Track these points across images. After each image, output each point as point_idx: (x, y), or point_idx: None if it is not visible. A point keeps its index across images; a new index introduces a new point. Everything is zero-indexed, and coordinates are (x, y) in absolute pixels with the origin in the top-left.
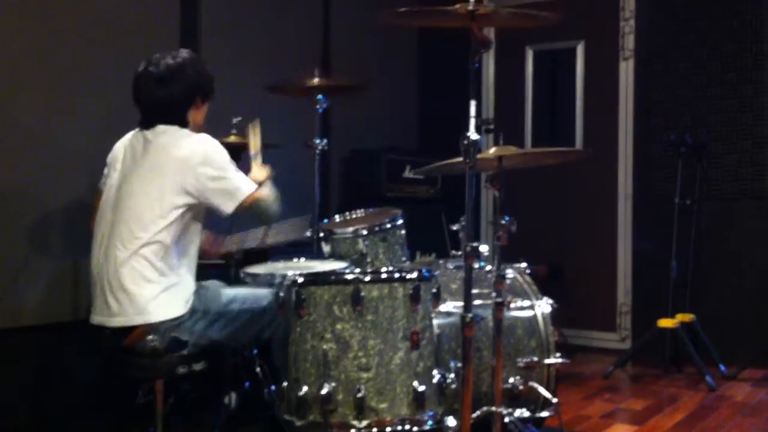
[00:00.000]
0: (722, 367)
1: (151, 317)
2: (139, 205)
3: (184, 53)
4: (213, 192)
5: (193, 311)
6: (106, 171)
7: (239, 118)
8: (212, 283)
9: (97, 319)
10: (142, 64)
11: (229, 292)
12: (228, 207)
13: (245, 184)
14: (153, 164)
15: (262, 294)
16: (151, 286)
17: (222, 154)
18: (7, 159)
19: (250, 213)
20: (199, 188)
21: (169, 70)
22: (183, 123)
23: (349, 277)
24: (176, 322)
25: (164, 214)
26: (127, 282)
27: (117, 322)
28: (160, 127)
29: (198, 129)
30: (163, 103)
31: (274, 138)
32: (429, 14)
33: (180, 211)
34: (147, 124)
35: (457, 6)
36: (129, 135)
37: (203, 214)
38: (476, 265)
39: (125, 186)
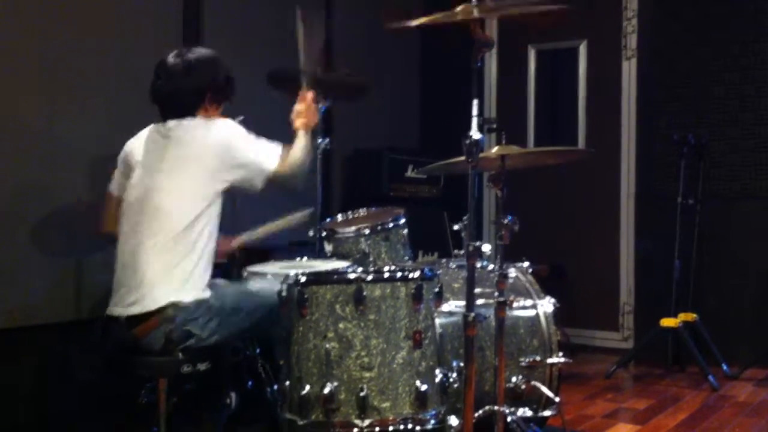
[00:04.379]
0: (725, 367)
1: (165, 300)
2: (167, 200)
3: (202, 51)
4: (240, 176)
5: (209, 308)
6: (116, 174)
7: (241, 117)
8: (222, 282)
9: (116, 310)
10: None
11: (244, 287)
12: (256, 185)
13: (267, 160)
14: (177, 157)
15: (275, 288)
16: (176, 277)
17: (244, 137)
18: (9, 158)
19: (277, 185)
20: (225, 174)
21: (182, 64)
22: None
23: (352, 276)
24: (191, 316)
25: (193, 207)
26: (149, 272)
27: (134, 310)
28: (172, 122)
29: None
30: (170, 96)
31: (276, 138)
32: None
33: (208, 201)
34: (162, 116)
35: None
36: (143, 133)
37: (222, 207)
38: (479, 265)
39: (150, 182)
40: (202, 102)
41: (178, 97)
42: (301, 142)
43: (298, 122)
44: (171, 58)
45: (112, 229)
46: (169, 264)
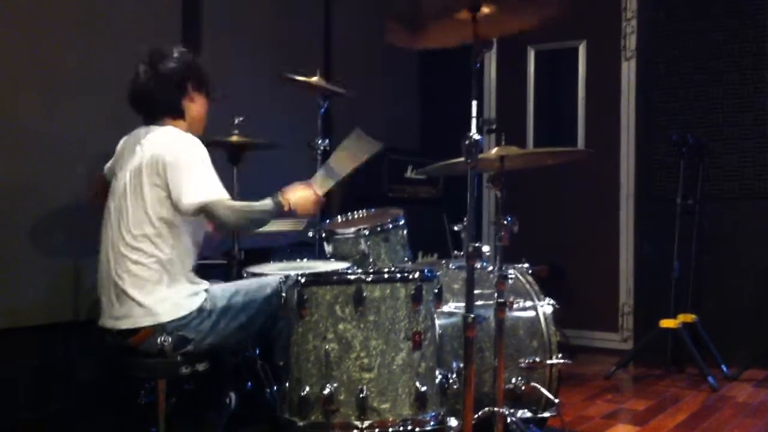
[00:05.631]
0: (724, 368)
1: (159, 318)
2: (131, 207)
3: (169, 48)
4: (173, 186)
5: (200, 310)
6: (111, 162)
7: (241, 118)
8: (214, 282)
9: (108, 323)
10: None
11: (231, 286)
12: (179, 205)
13: (200, 191)
14: (138, 164)
15: (265, 282)
16: (155, 287)
17: (192, 154)
18: (7, 158)
19: (207, 217)
20: (164, 183)
21: (148, 71)
22: (178, 114)
23: (351, 277)
24: (184, 321)
25: (152, 214)
26: (131, 285)
27: (125, 324)
28: (152, 127)
29: (199, 124)
30: (148, 95)
31: (275, 138)
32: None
33: (165, 208)
34: (145, 120)
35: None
36: (133, 132)
37: None
38: (478, 266)
39: (121, 187)
40: (183, 93)
41: (148, 102)
42: (264, 208)
43: (291, 198)
44: (140, 66)
45: (97, 200)
46: (149, 275)
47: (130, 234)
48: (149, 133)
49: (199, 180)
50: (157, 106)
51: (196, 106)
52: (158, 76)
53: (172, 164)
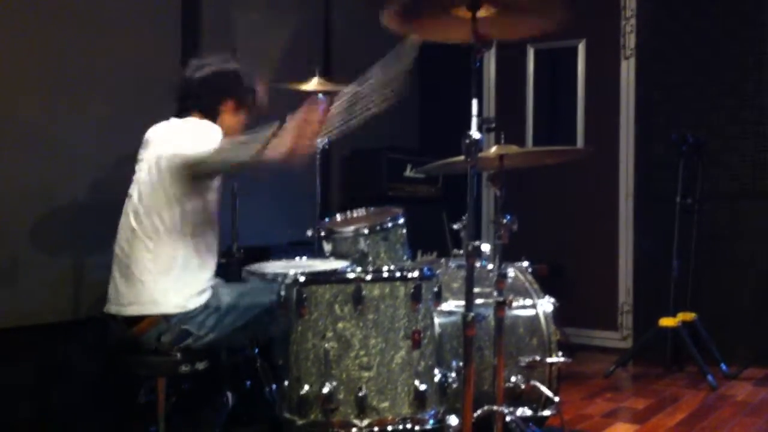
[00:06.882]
0: (723, 367)
1: (164, 309)
2: (150, 196)
3: (222, 59)
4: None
5: (206, 306)
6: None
7: None
8: (220, 281)
9: (113, 308)
10: None
11: (239, 286)
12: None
13: (195, 147)
14: (159, 150)
15: (271, 286)
16: (165, 277)
17: (199, 131)
18: (9, 158)
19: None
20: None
21: (199, 65)
22: (211, 117)
23: (351, 276)
24: (189, 315)
25: (169, 203)
26: (142, 273)
27: (130, 311)
28: (173, 120)
29: (227, 132)
30: (185, 92)
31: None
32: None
33: (187, 198)
34: (178, 113)
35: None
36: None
37: (213, 204)
38: (478, 264)
39: (142, 176)
40: (219, 102)
41: (188, 94)
42: (253, 144)
43: (288, 137)
44: (192, 64)
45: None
46: (161, 263)
47: (151, 223)
48: (167, 125)
49: (199, 137)
50: (191, 102)
51: (233, 119)
52: (203, 78)
53: (181, 134)
